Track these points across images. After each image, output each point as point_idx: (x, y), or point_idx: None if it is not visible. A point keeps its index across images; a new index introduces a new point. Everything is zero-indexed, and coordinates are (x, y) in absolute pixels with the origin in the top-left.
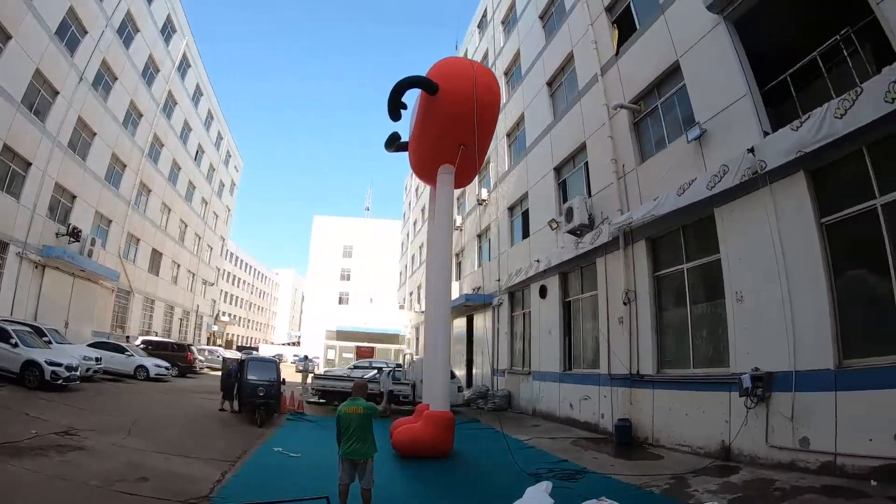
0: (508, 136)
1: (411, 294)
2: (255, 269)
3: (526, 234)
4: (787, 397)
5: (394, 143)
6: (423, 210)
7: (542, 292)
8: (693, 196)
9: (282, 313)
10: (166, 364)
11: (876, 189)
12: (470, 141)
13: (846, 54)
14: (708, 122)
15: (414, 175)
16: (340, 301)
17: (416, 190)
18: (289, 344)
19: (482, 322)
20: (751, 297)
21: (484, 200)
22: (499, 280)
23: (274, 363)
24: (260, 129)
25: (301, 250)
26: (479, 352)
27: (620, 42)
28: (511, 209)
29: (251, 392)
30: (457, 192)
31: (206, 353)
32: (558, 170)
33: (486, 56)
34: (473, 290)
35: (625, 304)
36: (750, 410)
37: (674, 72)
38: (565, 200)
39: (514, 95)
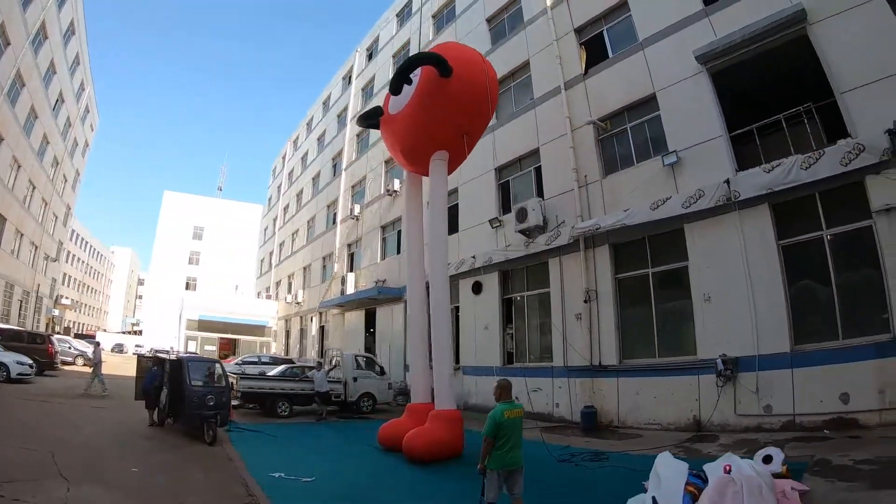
0: None
1: (279, 283)
2: (89, 245)
3: (453, 230)
4: (751, 376)
5: (374, 117)
6: (298, 194)
7: (477, 288)
8: (668, 212)
9: (116, 297)
10: (30, 361)
11: (823, 223)
12: (474, 131)
13: (805, 119)
14: (683, 151)
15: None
16: (187, 286)
17: (290, 174)
18: (128, 332)
19: (387, 316)
20: (718, 298)
21: (395, 191)
22: None
23: (219, 364)
24: (117, 83)
25: (140, 228)
26: (383, 347)
27: (589, 63)
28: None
29: (199, 402)
30: (354, 178)
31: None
32: (500, 170)
33: (406, 45)
34: (376, 282)
35: (585, 301)
36: (720, 388)
37: (648, 102)
38: (507, 201)
39: None
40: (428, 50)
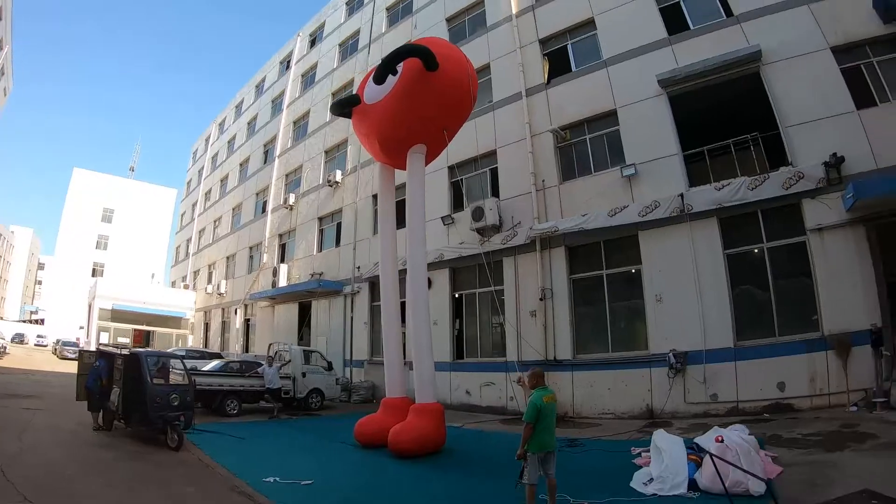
0: None
1: (197, 273)
2: None
3: (403, 225)
4: (699, 368)
5: (350, 105)
6: (223, 180)
7: (427, 284)
8: (624, 219)
9: (15, 282)
10: None
11: (764, 237)
12: (453, 127)
13: (751, 145)
14: (641, 164)
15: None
16: (94, 273)
17: (214, 158)
18: (28, 321)
19: (324, 309)
20: (669, 299)
21: (336, 182)
22: (358, 268)
23: (180, 359)
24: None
25: (41, 207)
26: (319, 341)
27: (552, 74)
28: (377, 197)
29: (162, 403)
30: (289, 166)
31: None
32: (454, 168)
33: (356, 35)
34: (312, 275)
35: (541, 300)
36: (672, 379)
37: (609, 116)
38: (460, 199)
39: None
40: (415, 42)
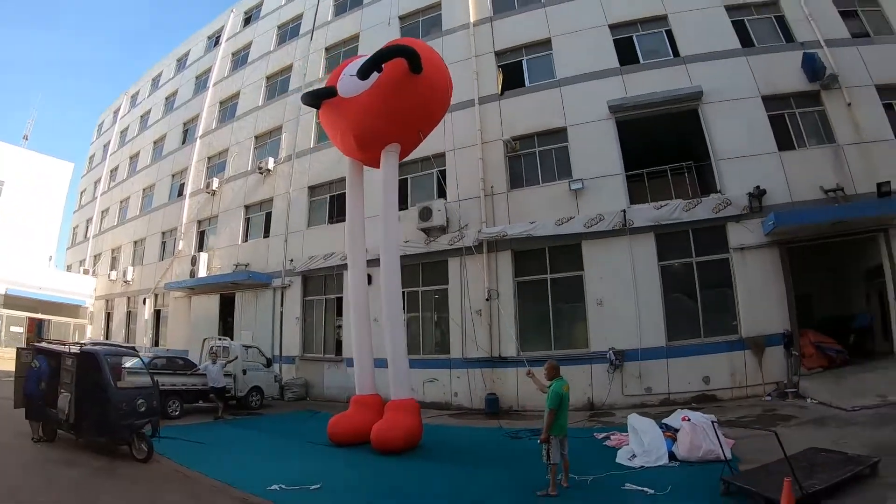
0: None
1: (98, 257)
2: None
3: (336, 220)
4: (635, 365)
5: (327, 97)
6: (133, 157)
7: (367, 280)
8: (570, 229)
9: None
10: None
11: (693, 252)
12: (427, 129)
13: (685, 171)
14: (587, 180)
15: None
16: None
17: (123, 133)
18: None
19: (250, 303)
20: (609, 303)
21: (268, 170)
22: (291, 261)
23: (137, 355)
24: None
25: None
26: (244, 336)
27: (506, 85)
28: (313, 189)
29: (129, 409)
30: (212, 149)
31: None
32: (399, 165)
33: (298, 20)
34: (236, 265)
35: (487, 300)
36: (611, 375)
37: (558, 132)
38: (404, 197)
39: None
40: (401, 43)
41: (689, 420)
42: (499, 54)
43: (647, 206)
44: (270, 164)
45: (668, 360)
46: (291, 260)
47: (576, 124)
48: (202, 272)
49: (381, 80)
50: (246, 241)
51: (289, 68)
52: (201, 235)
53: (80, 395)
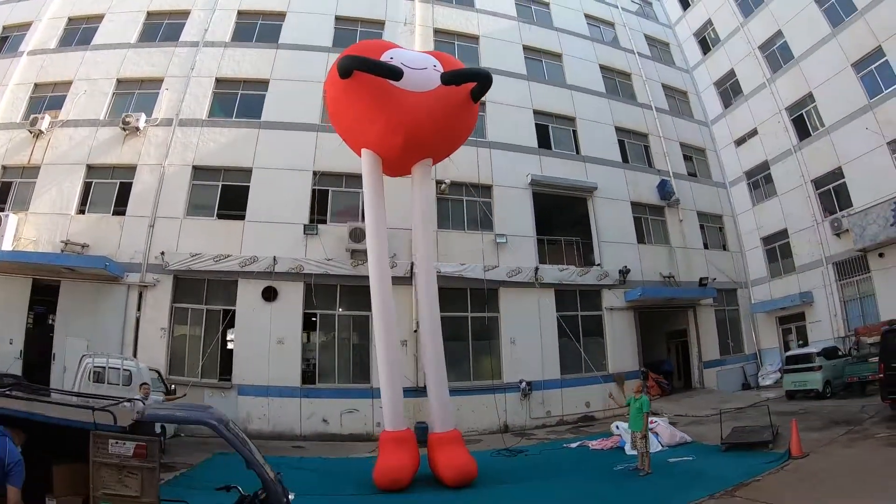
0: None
1: None
2: None
3: (235, 216)
4: (540, 393)
5: (389, 76)
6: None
7: (271, 295)
8: (495, 276)
9: None
10: None
11: (579, 307)
12: (449, 154)
13: (575, 244)
14: (508, 236)
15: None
16: None
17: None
18: None
19: (87, 299)
20: (520, 341)
21: (136, 128)
22: (162, 253)
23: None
24: None
25: None
26: (75, 344)
27: None
28: (200, 170)
29: None
30: (47, 74)
31: None
32: (319, 175)
33: None
34: (65, 242)
35: (414, 331)
36: (522, 402)
37: (487, 188)
38: (324, 210)
39: None
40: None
41: (656, 423)
42: None
43: (553, 267)
44: (141, 121)
45: (562, 390)
46: (163, 253)
47: (501, 185)
48: (7, 243)
49: (453, 90)
50: (84, 212)
51: (184, 14)
52: (9, 188)
53: None
